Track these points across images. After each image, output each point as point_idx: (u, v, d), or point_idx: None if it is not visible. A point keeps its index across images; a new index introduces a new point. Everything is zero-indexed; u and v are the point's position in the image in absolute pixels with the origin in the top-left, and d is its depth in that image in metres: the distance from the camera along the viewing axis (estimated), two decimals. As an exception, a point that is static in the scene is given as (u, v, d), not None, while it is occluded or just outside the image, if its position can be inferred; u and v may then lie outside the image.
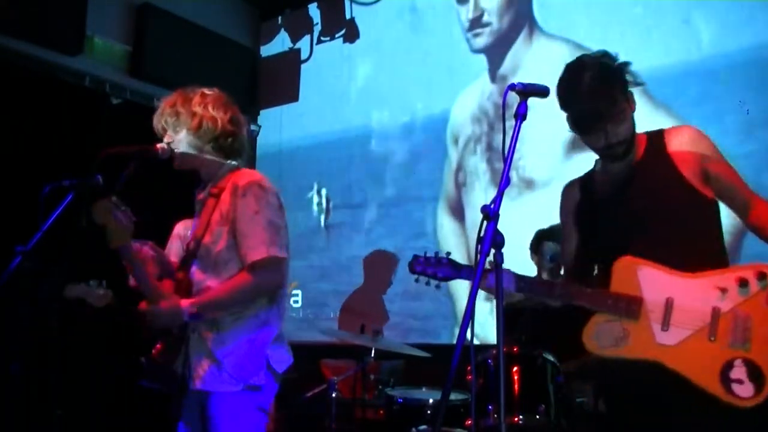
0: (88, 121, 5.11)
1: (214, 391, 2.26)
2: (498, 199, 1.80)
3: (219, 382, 2.26)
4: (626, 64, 2.20)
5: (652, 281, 2.08)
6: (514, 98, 1.90)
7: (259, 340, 2.30)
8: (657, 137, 2.24)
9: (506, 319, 1.83)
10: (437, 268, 2.20)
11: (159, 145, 2.39)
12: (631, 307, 2.06)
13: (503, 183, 1.81)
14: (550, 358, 3.20)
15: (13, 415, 3.72)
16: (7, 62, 4.70)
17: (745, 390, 1.95)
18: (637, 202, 2.18)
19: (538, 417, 3.04)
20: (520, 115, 1.88)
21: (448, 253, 2.23)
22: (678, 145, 2.19)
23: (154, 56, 5.53)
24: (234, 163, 2.46)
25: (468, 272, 2.19)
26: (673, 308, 2.05)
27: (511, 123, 1.88)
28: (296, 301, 5.94)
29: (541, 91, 1.92)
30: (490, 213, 1.79)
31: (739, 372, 1.97)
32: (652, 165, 2.20)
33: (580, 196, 2.37)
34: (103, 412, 4.55)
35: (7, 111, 4.59)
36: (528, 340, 3.64)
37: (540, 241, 3.96)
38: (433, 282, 2.22)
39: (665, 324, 2.04)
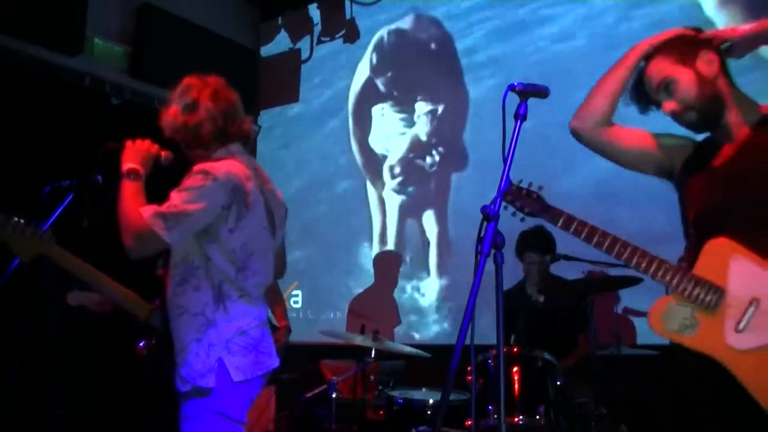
0: (88, 121, 5.11)
1: (178, 391, 2.22)
2: (498, 200, 1.80)
3: (177, 381, 2.21)
4: None
5: (743, 274, 1.81)
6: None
7: (207, 341, 2.19)
8: None
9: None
10: (525, 201, 2.06)
11: (163, 153, 2.39)
12: (708, 297, 1.82)
13: (503, 184, 1.81)
14: (550, 358, 3.20)
15: (13, 415, 3.71)
16: (7, 62, 4.70)
17: None
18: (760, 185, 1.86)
19: (538, 417, 3.04)
20: (520, 115, 1.87)
21: (540, 188, 2.07)
22: None
23: (154, 56, 5.53)
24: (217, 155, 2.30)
25: (556, 216, 2.00)
26: (757, 310, 1.79)
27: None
28: (296, 302, 5.93)
29: (541, 92, 1.90)
30: (490, 213, 1.79)
31: None
32: None
33: (692, 152, 2.02)
34: (103, 412, 4.54)
35: (7, 111, 4.59)
36: (524, 342, 3.64)
37: (524, 249, 3.96)
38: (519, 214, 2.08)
39: (742, 325, 1.79)
